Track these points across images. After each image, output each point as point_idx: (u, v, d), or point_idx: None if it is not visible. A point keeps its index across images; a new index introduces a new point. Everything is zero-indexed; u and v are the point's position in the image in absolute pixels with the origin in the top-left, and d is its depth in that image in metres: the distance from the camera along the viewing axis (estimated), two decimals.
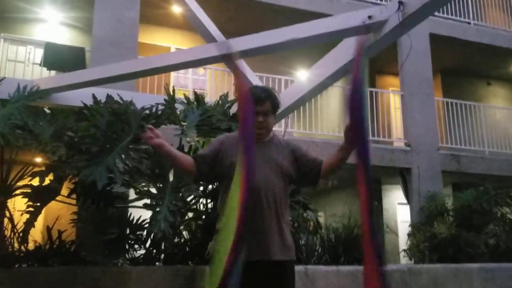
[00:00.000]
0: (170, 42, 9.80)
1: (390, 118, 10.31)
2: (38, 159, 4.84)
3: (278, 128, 6.77)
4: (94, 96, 4.13)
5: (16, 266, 4.01)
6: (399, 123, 9.73)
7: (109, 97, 4.20)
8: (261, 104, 2.34)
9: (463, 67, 11.74)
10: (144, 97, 5.38)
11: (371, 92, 9.61)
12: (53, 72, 7.22)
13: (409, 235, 7.52)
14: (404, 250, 7.41)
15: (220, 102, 4.47)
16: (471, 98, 11.02)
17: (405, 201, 9.14)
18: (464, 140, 9.81)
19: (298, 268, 3.75)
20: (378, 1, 9.66)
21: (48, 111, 4.50)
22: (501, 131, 10.50)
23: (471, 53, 10.97)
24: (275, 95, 2.42)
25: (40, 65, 7.08)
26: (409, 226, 7.93)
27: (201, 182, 3.68)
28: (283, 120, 5.74)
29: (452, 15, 10.54)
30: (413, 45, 8.72)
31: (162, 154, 2.36)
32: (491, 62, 11.52)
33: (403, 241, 8.04)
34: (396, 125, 10.23)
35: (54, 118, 4.20)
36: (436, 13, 9.97)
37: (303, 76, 8.15)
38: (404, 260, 7.57)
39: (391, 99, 10.75)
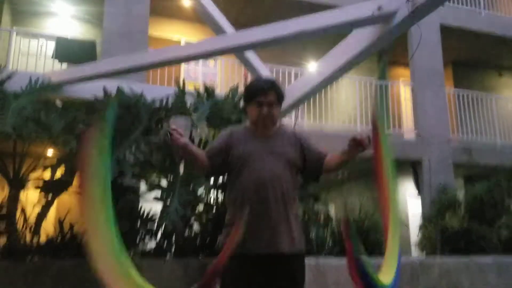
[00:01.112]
0: (180, 34, 9.79)
1: (400, 110, 10.23)
2: (50, 152, 4.87)
3: (289, 120, 6.75)
4: (104, 89, 4.14)
5: (28, 258, 4.06)
6: (410, 115, 9.66)
7: (119, 90, 4.21)
8: (265, 95, 2.31)
9: (474, 58, 11.59)
10: (154, 89, 5.40)
11: (380, 85, 9.53)
12: (64, 65, 7.25)
13: (420, 227, 7.48)
14: (416, 243, 7.38)
15: (230, 94, 4.47)
16: (483, 89, 10.89)
17: (416, 193, 9.09)
18: (475, 132, 9.70)
19: (309, 261, 3.75)
20: None
21: (59, 104, 4.52)
22: None
23: (482, 44, 10.82)
24: (279, 86, 2.39)
25: (52, 58, 7.11)
26: (420, 219, 7.88)
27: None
28: (293, 112, 5.72)
29: (463, 4, 10.39)
30: (423, 36, 8.61)
31: (185, 153, 2.31)
32: (502, 53, 11.35)
33: (414, 234, 8.00)
34: (407, 117, 10.15)
35: (65, 111, 4.22)
36: (446, 3, 9.83)
37: (313, 67, 8.11)
38: (415, 252, 7.54)
39: (402, 91, 10.66)
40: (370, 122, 2.23)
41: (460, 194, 7.78)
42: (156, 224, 4.16)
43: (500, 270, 5.34)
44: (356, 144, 2.22)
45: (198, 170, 2.84)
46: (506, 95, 11.77)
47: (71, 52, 6.52)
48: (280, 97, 2.38)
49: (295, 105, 5.02)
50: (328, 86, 7.26)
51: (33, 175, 4.55)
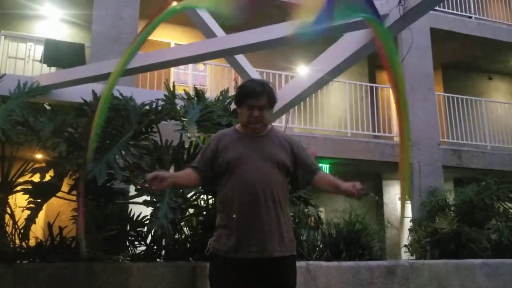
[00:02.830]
0: (170, 37, 9.77)
1: (390, 113, 10.28)
2: (39, 156, 4.83)
3: (279, 124, 6.75)
4: (94, 92, 4.12)
5: (18, 262, 4.02)
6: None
7: None
8: (256, 98, 2.31)
9: (464, 62, 11.69)
10: (144, 92, 5.37)
11: (371, 88, 9.59)
12: (53, 69, 7.21)
13: (410, 230, 7.51)
14: (406, 246, 7.40)
15: (220, 97, 4.46)
16: (473, 93, 10.99)
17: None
18: (465, 135, 9.78)
19: (300, 264, 3.74)
20: None
21: (48, 107, 4.49)
22: (503, 126, 10.47)
23: (472, 48, 10.92)
24: (271, 89, 2.39)
25: (40, 61, 7.07)
26: (410, 222, 7.92)
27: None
28: (283, 115, 5.73)
29: (453, 9, 10.49)
30: (414, 40, 8.69)
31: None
32: (492, 57, 11.47)
33: (404, 237, 8.04)
34: (397, 120, 10.19)
35: (54, 114, 4.19)
36: (437, 8, 9.94)
37: (303, 71, 8.13)
38: (405, 255, 7.57)
39: (392, 94, 10.71)
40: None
41: (450, 197, 7.83)
42: (146, 228, 4.14)
43: (489, 272, 5.38)
44: (348, 194, 2.25)
45: (191, 187, 2.88)
46: (495, 99, 11.88)
47: (60, 55, 6.49)
48: (271, 100, 2.38)
49: (286, 108, 5.02)
50: (319, 90, 7.29)
51: (22, 179, 4.52)
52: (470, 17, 10.69)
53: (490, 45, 10.78)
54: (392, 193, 10.48)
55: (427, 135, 9.21)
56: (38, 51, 7.54)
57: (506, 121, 10.84)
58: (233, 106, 4.44)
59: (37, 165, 4.43)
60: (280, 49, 8.27)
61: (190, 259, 4.06)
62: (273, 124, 2.59)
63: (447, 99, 10.10)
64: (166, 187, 2.32)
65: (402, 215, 2.59)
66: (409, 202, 8.92)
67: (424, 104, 9.40)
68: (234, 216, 2.22)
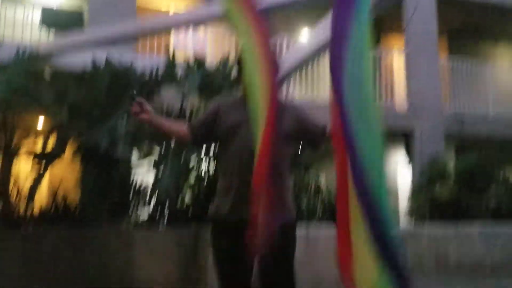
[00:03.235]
0: (168, 6, 9.61)
1: (393, 80, 10.20)
2: (41, 123, 4.85)
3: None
4: (93, 60, 4.09)
5: (23, 228, 4.09)
6: (402, 86, 9.63)
7: (108, 61, 4.15)
8: None
9: (470, 27, 11.49)
10: (144, 58, 5.33)
11: (373, 54, 9.47)
12: (52, 35, 7.11)
13: (410, 197, 7.56)
14: (405, 212, 7.47)
15: (221, 64, 4.42)
16: (477, 59, 10.84)
17: (407, 163, 9.16)
18: (468, 102, 9.71)
19: (300, 231, 3.80)
20: None
21: (48, 75, 4.47)
22: (507, 92, 10.38)
23: (478, 13, 10.72)
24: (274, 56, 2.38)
25: (39, 28, 6.97)
26: (410, 188, 7.96)
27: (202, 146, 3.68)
28: (285, 83, 5.69)
29: None
30: (419, 5, 8.54)
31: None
32: (498, 22, 11.27)
33: (404, 204, 8.10)
34: (400, 87, 10.12)
35: (54, 82, 4.17)
36: None
37: (304, 37, 8.02)
38: (404, 222, 7.65)
39: (395, 61, 10.60)
40: None
41: (451, 164, 7.85)
42: (148, 194, 4.18)
43: (487, 238, 5.45)
44: None
45: (179, 140, 2.89)
46: (500, 65, 11.74)
47: (58, 24, 6.39)
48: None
49: (287, 76, 4.99)
50: (320, 57, 7.21)
51: (25, 146, 4.54)
52: None
53: (496, 10, 10.57)
54: (392, 160, 10.50)
55: (430, 101, 9.13)
56: (36, 16, 7.41)
57: (509, 89, 10.74)
58: (233, 74, 4.42)
59: (39, 133, 4.46)
60: (282, 14, 8.13)
61: (192, 225, 4.12)
62: None
63: (452, 65, 9.97)
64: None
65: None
66: (410, 167, 8.97)
67: (428, 69, 9.28)
68: (234, 180, 2.24)
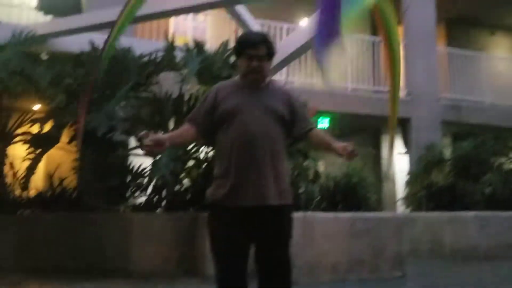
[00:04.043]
0: None
1: None
2: (37, 106, 4.82)
3: (279, 78, 6.69)
4: (91, 42, 4.05)
5: (19, 212, 4.09)
6: (401, 73, 9.62)
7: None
8: (255, 48, 2.28)
9: (467, 16, 11.46)
10: (143, 43, 5.28)
11: (372, 42, 9.45)
12: (49, 17, 7.04)
13: (406, 183, 7.61)
14: (402, 199, 7.52)
15: (220, 49, 4.39)
16: (474, 48, 10.84)
17: (404, 150, 9.19)
18: (465, 90, 9.73)
19: (298, 215, 3.81)
20: None
21: (45, 57, 4.43)
22: (503, 82, 10.40)
23: (475, 2, 10.70)
24: (270, 41, 2.37)
25: (36, 9, 6.89)
26: (407, 175, 8.00)
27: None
28: (284, 69, 5.67)
29: None
30: None
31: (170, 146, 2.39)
32: (495, 11, 11.25)
33: (400, 190, 8.14)
34: (388, 72, 10.09)
35: (52, 64, 4.14)
36: None
37: (304, 23, 7.96)
38: (401, 208, 7.70)
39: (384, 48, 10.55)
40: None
41: (448, 152, 7.89)
42: (146, 179, 4.18)
43: (481, 223, 5.50)
44: (339, 154, 2.23)
45: (191, 142, 2.86)
46: (497, 54, 11.75)
47: (56, 4, 6.32)
48: (271, 51, 2.35)
49: (286, 61, 4.97)
50: None
51: (21, 130, 4.52)
52: None
53: (494, 0, 10.55)
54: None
55: (427, 90, 9.15)
56: None
57: (506, 77, 10.76)
58: (233, 59, 4.39)
59: (36, 116, 4.43)
60: (282, 0, 8.08)
61: (190, 209, 4.13)
62: (273, 78, 2.57)
63: (449, 54, 9.97)
64: (164, 150, 2.33)
65: (390, 162, 2.56)
66: (404, 154, 9.01)
67: (426, 58, 9.28)
68: (231, 164, 2.24)
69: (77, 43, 4.28)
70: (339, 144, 2.27)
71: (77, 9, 5.89)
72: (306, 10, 9.05)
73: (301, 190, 4.55)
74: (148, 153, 2.26)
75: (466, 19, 11.52)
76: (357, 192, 4.58)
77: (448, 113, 9.22)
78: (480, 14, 11.33)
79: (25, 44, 4.26)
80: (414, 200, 6.97)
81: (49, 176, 4.30)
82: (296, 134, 2.42)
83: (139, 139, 2.21)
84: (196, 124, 2.38)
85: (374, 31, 10.60)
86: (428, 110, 9.01)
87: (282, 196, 2.28)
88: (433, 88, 9.28)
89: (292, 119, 2.39)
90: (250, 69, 2.29)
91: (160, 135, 2.29)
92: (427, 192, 6.80)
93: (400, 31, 9.87)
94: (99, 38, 4.25)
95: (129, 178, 4.30)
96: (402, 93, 9.27)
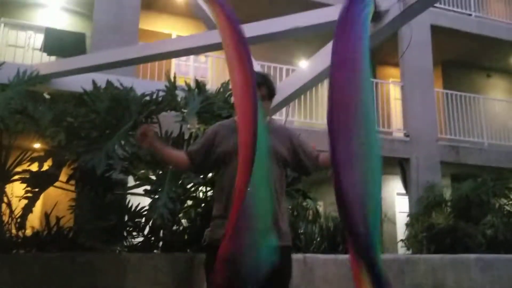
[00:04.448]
0: (171, 29, 9.74)
1: (390, 109, 10.29)
2: (37, 145, 4.82)
3: (279, 117, 6.74)
4: (94, 82, 4.10)
5: (14, 251, 4.02)
6: (399, 114, 9.72)
7: (109, 83, 4.17)
8: (257, 88, 2.33)
9: (464, 59, 11.69)
10: (144, 83, 5.36)
11: (374, 83, 9.59)
12: (53, 58, 7.17)
13: (407, 225, 7.55)
14: (402, 240, 7.44)
15: (221, 89, 4.45)
16: (471, 90, 11.00)
17: (403, 191, 9.16)
18: (463, 132, 9.81)
19: (297, 256, 3.76)
20: None
21: (47, 96, 4.48)
22: (500, 123, 10.50)
23: (472, 45, 10.93)
24: (271, 81, 2.42)
25: (40, 50, 7.04)
26: (407, 216, 7.95)
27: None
28: (284, 109, 5.72)
29: (453, 6, 10.48)
30: (414, 36, 8.65)
31: (156, 153, 2.43)
32: (491, 54, 11.48)
33: (401, 231, 8.06)
34: (396, 115, 10.22)
35: (53, 103, 4.17)
36: (437, 5, 9.92)
37: (304, 65, 8.10)
38: (402, 250, 7.60)
39: (391, 90, 10.72)
40: None
41: (447, 193, 7.86)
42: (144, 218, 4.14)
43: (484, 267, 5.41)
44: None
45: (178, 168, 2.90)
46: (494, 96, 11.91)
47: (60, 44, 6.45)
48: (271, 92, 2.40)
49: (286, 102, 5.02)
50: (319, 84, 7.27)
51: (20, 168, 4.50)
52: (470, 15, 10.69)
53: (490, 43, 10.78)
54: (390, 187, 10.50)
55: (426, 131, 9.23)
56: (38, 39, 7.50)
57: (503, 119, 10.87)
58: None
59: (35, 154, 4.43)
60: (282, 43, 8.25)
61: (188, 250, 4.07)
62: (273, 117, 2.60)
63: (446, 96, 10.11)
64: (148, 144, 2.34)
65: None
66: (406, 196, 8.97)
67: (423, 100, 9.41)
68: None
69: (80, 82, 4.33)
70: None
71: (81, 51, 6.01)
72: (305, 52, 9.23)
73: (300, 231, 4.51)
74: (139, 139, 2.33)
75: (462, 61, 11.75)
76: None
77: (446, 154, 9.27)
78: (477, 57, 11.57)
79: (28, 83, 4.31)
80: (415, 241, 6.90)
81: (46, 215, 4.25)
82: (310, 164, 2.43)
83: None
84: (190, 154, 2.39)
85: (372, 73, 10.78)
86: (427, 151, 9.05)
87: (282, 237, 2.26)
88: (431, 129, 9.37)
89: (295, 157, 2.40)
90: None
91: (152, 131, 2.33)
92: (428, 234, 6.73)
93: (397, 72, 10.05)
94: (101, 78, 4.32)
95: (126, 217, 4.26)
96: (400, 133, 9.34)
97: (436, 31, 9.92)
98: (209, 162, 2.39)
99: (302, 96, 8.29)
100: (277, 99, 4.40)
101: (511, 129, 10.49)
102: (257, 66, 4.85)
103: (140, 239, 4.27)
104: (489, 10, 11.18)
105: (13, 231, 4.27)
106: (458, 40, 10.63)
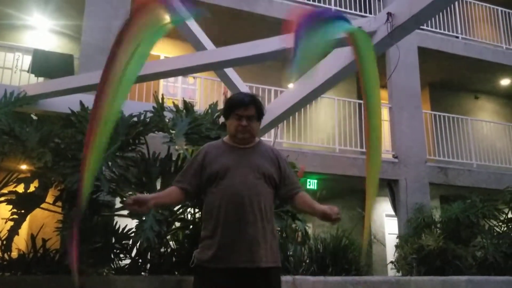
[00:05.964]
0: (159, 51, 9.79)
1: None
2: (24, 166, 4.77)
3: (268, 139, 6.76)
4: (81, 103, 4.09)
5: (0, 274, 3.93)
6: (387, 136, 9.80)
7: None
8: (245, 108, 2.34)
9: (451, 81, 11.87)
10: (132, 104, 5.35)
11: (359, 104, 9.68)
12: (41, 79, 7.16)
13: (396, 247, 7.52)
14: (392, 262, 7.40)
15: (209, 111, 4.46)
16: (459, 112, 11.15)
17: (392, 213, 9.16)
18: (451, 153, 9.89)
19: (286, 278, 3.72)
20: (367, 14, 9.77)
21: (35, 117, 4.45)
22: (489, 145, 10.61)
23: (459, 67, 11.11)
24: (259, 101, 2.43)
25: (28, 71, 7.03)
26: (396, 238, 7.93)
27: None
28: (272, 130, 5.74)
29: (440, 29, 10.69)
30: (401, 58, 8.83)
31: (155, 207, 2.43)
32: (478, 76, 11.67)
33: (390, 253, 8.04)
34: (384, 137, 10.29)
35: (40, 125, 4.15)
36: (424, 27, 10.11)
37: (293, 86, 8.17)
38: (391, 272, 7.56)
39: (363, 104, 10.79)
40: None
41: (436, 214, 7.87)
42: (131, 240, 4.08)
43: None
44: (325, 218, 2.26)
45: (177, 204, 2.89)
46: (481, 118, 12.06)
47: (48, 65, 6.45)
48: (260, 112, 2.40)
49: (274, 123, 5.04)
50: (307, 105, 7.33)
51: (6, 189, 4.44)
52: (457, 37, 10.89)
53: (476, 65, 10.97)
54: (380, 209, 10.51)
55: (414, 152, 9.29)
56: (26, 61, 7.50)
57: (491, 140, 10.99)
58: (222, 120, 4.44)
59: (21, 176, 4.37)
60: (270, 64, 8.33)
61: (176, 272, 4.01)
62: (262, 138, 2.60)
63: (434, 117, 10.22)
64: (147, 210, 2.32)
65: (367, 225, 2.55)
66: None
67: (412, 122, 9.50)
68: (219, 224, 2.21)
69: (67, 103, 4.32)
70: (324, 206, 2.26)
71: (69, 71, 6.01)
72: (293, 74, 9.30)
73: (289, 252, 4.47)
74: (132, 212, 2.26)
75: (450, 83, 11.93)
76: (347, 255, 4.51)
77: (435, 175, 9.32)
78: (464, 78, 11.76)
79: (15, 105, 4.29)
80: (405, 263, 6.87)
81: (32, 237, 4.18)
82: (283, 195, 2.43)
83: (124, 201, 2.21)
84: (183, 186, 2.37)
85: (361, 94, 10.90)
86: (416, 172, 9.10)
87: (271, 257, 2.24)
88: (419, 151, 9.43)
89: (280, 179, 2.39)
90: (239, 128, 2.33)
91: (143, 195, 2.28)
92: (418, 256, 6.71)
93: (385, 94, 10.16)
94: (89, 99, 4.30)
95: (113, 239, 4.19)
96: (389, 155, 9.38)
97: (424, 53, 10.09)
98: (202, 185, 2.38)
99: (291, 118, 8.33)
100: (266, 120, 4.42)
101: (499, 151, 10.60)
102: (245, 87, 4.88)
103: (128, 261, 4.20)
104: (475, 33, 11.41)
105: None
106: (446, 62, 10.81)
